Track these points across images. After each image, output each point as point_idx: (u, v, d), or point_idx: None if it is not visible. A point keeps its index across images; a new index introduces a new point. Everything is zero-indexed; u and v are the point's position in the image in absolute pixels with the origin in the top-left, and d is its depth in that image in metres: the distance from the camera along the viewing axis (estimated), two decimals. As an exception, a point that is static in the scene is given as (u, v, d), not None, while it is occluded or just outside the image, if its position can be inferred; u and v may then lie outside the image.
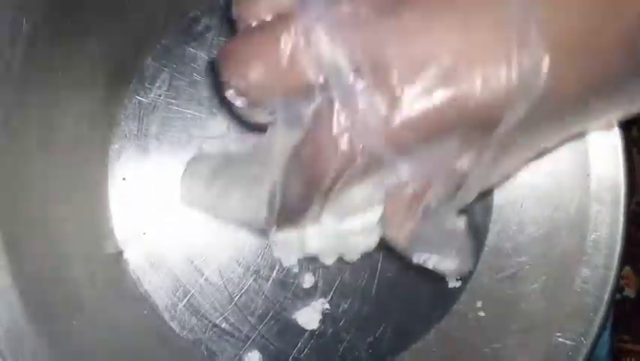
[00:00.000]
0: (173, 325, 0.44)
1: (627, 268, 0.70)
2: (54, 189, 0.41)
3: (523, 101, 0.24)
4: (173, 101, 0.46)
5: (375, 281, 0.46)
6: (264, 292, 0.45)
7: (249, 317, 0.45)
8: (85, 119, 0.43)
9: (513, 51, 0.24)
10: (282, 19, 0.26)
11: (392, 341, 0.46)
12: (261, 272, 0.45)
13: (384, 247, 0.34)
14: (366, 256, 0.39)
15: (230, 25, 0.45)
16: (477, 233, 0.47)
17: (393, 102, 0.25)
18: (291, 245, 0.34)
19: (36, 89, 0.40)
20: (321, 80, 0.26)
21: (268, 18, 0.27)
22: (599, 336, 0.41)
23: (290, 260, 0.44)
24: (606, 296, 0.41)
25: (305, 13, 0.25)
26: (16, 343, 0.34)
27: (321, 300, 0.45)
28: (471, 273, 0.47)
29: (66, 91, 0.42)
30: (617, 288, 0.42)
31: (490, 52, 0.24)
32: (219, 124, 0.46)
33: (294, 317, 0.45)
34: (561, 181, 0.45)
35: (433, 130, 0.25)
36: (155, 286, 0.44)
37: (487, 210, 0.47)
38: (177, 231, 0.45)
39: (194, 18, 0.46)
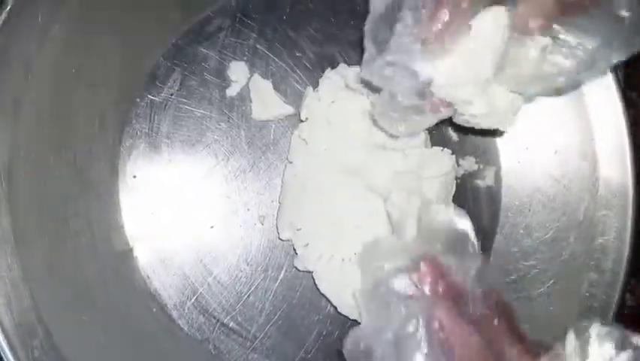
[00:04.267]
0: (182, 323, 0.44)
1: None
2: (65, 185, 0.42)
3: None
4: (184, 100, 0.46)
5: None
6: (272, 293, 0.45)
7: (257, 317, 0.45)
8: (96, 116, 0.44)
9: None
10: None
11: (399, 343, 0.46)
12: (270, 272, 0.45)
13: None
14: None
15: (241, 27, 0.45)
16: (484, 237, 0.47)
17: None
18: None
19: (49, 86, 0.40)
20: None
21: None
22: (606, 340, 0.41)
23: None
24: (614, 300, 0.41)
25: None
26: (27, 336, 0.34)
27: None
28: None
29: (78, 88, 0.42)
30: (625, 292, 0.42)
31: None
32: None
33: (301, 317, 0.45)
34: (569, 186, 0.45)
35: None
36: (165, 283, 0.45)
37: (495, 213, 0.47)
38: (187, 229, 0.45)
39: (206, 19, 0.46)
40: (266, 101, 0.46)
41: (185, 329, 0.44)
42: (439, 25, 0.33)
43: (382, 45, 0.34)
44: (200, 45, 0.46)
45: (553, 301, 0.44)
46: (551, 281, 0.44)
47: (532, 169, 0.46)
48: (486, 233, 0.47)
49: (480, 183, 0.47)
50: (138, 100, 0.46)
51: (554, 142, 0.45)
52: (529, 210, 0.46)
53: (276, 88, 0.46)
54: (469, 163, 0.47)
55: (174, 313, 0.44)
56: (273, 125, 0.46)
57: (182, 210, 0.45)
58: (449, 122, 0.46)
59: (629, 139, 0.43)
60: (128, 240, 0.44)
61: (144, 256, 0.45)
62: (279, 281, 0.45)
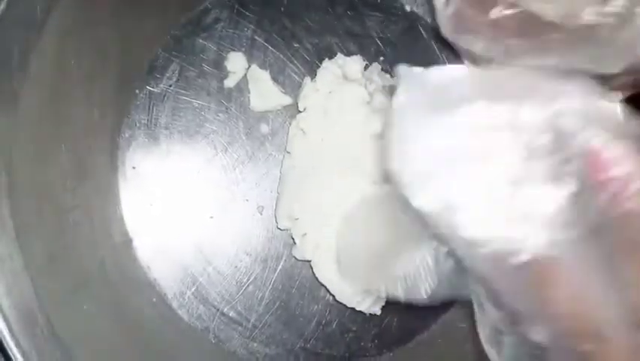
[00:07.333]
0: (182, 313, 0.45)
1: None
2: (64, 177, 0.42)
3: None
4: (183, 91, 0.46)
5: (382, 272, 0.46)
6: (271, 282, 0.45)
7: (257, 306, 0.45)
8: (95, 107, 0.44)
9: None
10: None
11: (397, 331, 0.46)
12: (269, 262, 0.46)
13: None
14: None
15: (239, 18, 0.45)
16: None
17: None
18: None
19: (48, 77, 0.40)
20: None
21: None
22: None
23: None
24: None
25: None
26: (29, 326, 0.34)
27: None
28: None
29: (77, 79, 0.42)
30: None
31: None
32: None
33: (300, 306, 0.46)
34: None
35: None
36: (164, 274, 0.45)
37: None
38: (186, 220, 0.45)
39: (204, 10, 0.47)
40: (264, 91, 0.46)
41: (185, 318, 0.45)
42: None
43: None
44: (198, 36, 0.46)
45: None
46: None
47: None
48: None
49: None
50: (137, 91, 0.46)
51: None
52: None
53: (274, 79, 0.46)
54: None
55: (174, 303, 0.45)
56: (271, 116, 0.47)
57: (181, 200, 0.45)
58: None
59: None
60: (127, 231, 0.45)
61: (144, 246, 0.45)
62: (278, 271, 0.46)
